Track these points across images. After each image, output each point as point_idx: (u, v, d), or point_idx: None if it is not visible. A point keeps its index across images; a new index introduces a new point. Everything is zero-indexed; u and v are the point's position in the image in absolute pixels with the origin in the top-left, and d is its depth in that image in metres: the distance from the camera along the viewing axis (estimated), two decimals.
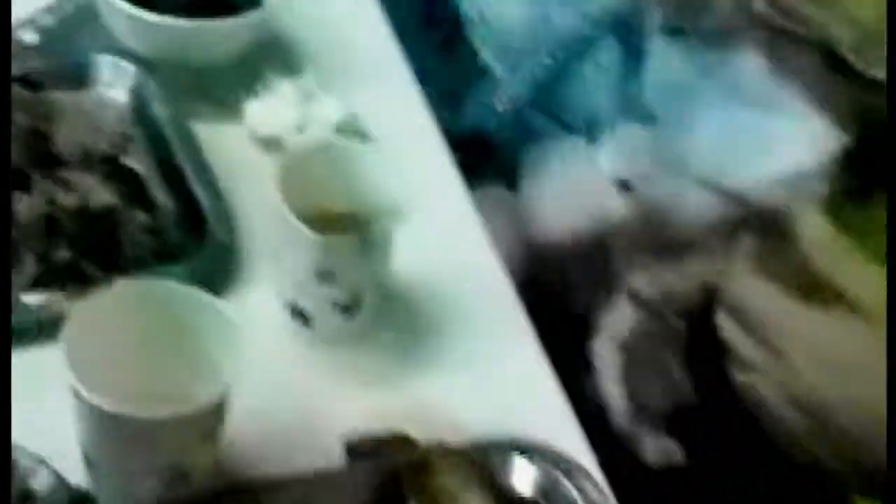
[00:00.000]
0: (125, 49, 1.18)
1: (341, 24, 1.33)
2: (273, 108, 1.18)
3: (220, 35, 1.18)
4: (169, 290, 0.86)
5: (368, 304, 0.99)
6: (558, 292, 1.29)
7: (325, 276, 0.95)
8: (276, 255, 1.00)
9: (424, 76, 1.31)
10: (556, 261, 1.32)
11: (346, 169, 1.01)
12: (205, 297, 0.86)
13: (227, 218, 1.07)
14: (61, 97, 1.15)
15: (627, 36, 1.31)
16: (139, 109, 1.16)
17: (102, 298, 0.85)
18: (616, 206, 1.28)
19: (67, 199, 1.05)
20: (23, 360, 0.86)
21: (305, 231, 0.94)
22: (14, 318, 0.90)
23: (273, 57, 1.23)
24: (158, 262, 1.03)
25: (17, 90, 1.12)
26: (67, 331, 0.80)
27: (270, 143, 1.17)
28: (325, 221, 0.97)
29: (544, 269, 1.31)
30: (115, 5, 1.14)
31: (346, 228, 0.98)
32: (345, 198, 1.00)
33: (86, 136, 1.11)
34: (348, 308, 0.98)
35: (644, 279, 1.24)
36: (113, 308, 0.84)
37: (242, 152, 1.16)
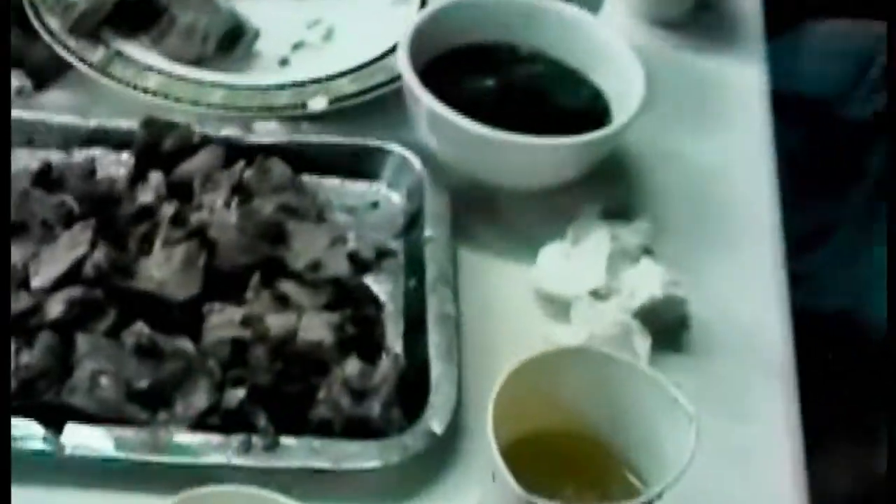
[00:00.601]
0: (414, 143, 0.94)
1: (717, 160, 1.02)
2: (576, 261, 0.91)
3: (552, 156, 0.92)
4: None
5: None
6: None
7: None
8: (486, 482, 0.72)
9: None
10: None
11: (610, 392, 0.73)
12: None
13: (452, 397, 0.81)
14: (318, 183, 0.93)
15: None
16: (411, 220, 0.92)
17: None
18: None
19: (274, 323, 0.82)
20: None
21: (516, 489, 0.67)
22: (167, 459, 0.75)
23: (597, 189, 0.95)
24: (345, 434, 0.79)
25: (278, 167, 0.92)
26: None
27: (554, 305, 0.90)
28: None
29: None
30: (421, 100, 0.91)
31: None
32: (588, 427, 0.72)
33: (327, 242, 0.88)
34: None
35: None
36: None
37: (513, 308, 0.90)
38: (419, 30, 0.95)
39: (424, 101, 0.91)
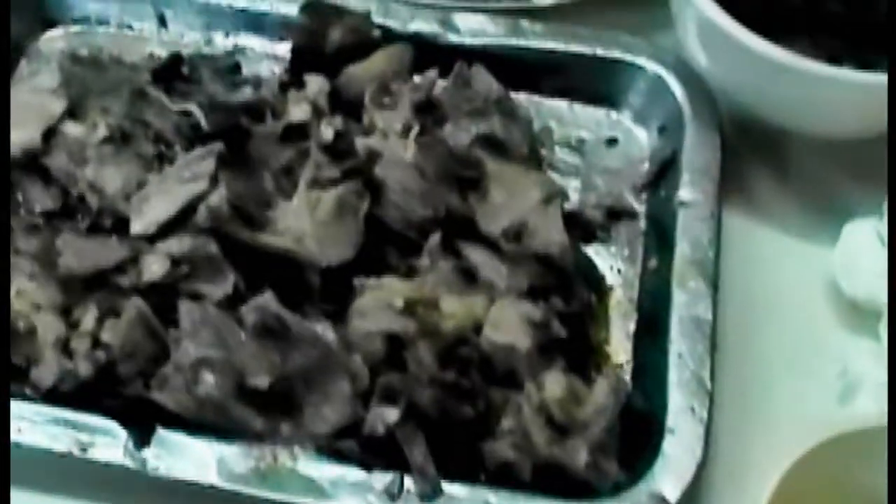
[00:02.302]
0: (675, 58, 0.67)
1: None
2: None
3: (878, 99, 0.63)
4: None
5: None
6: None
7: None
8: None
9: None
10: None
11: None
12: None
13: (697, 450, 0.55)
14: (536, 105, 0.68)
15: None
16: (661, 168, 0.66)
17: None
18: None
19: (450, 309, 0.58)
20: None
21: None
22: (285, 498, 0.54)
23: None
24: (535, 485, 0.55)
25: (483, 80, 0.67)
26: None
27: (857, 311, 0.63)
28: None
29: None
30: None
31: None
32: None
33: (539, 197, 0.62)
34: None
35: None
36: None
37: (796, 308, 0.63)
38: None
39: (696, 1, 0.63)
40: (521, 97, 0.69)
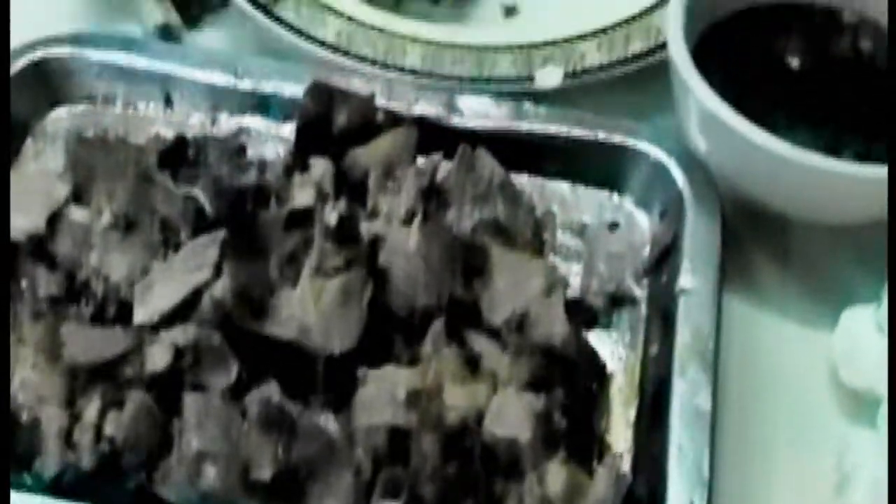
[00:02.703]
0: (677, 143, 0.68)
1: None
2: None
3: (878, 190, 0.64)
4: None
5: None
6: None
7: None
8: None
9: None
10: None
11: None
12: None
13: None
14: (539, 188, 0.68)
15: None
16: (663, 253, 0.67)
17: None
18: None
19: (454, 400, 0.58)
20: None
21: None
22: None
23: None
24: None
25: (486, 163, 0.67)
26: None
27: (855, 399, 0.63)
28: None
29: None
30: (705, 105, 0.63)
31: None
32: None
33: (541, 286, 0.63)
34: None
35: None
36: None
37: (795, 394, 0.63)
38: None
39: (696, 91, 0.64)
40: (523, 179, 0.69)
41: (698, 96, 0.64)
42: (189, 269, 0.60)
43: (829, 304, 0.66)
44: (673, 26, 0.66)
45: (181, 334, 0.59)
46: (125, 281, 0.61)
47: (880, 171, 0.61)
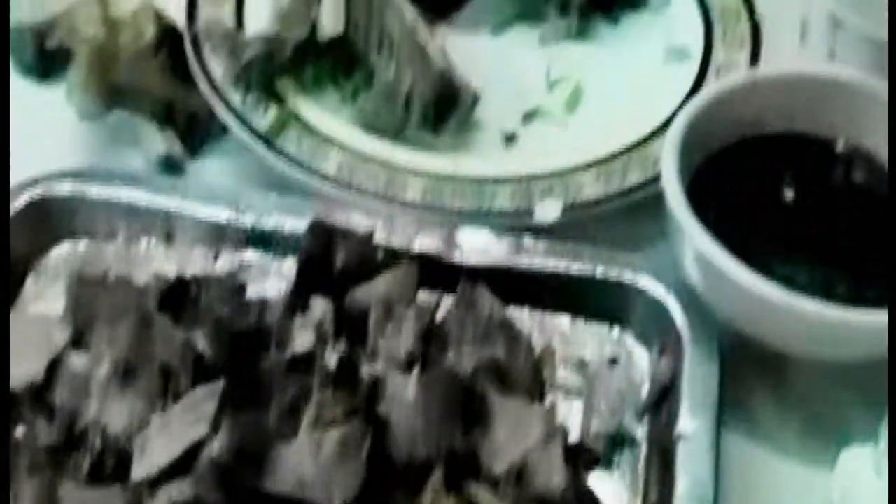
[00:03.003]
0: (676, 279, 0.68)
1: None
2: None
3: (877, 335, 0.63)
4: None
5: None
6: None
7: None
8: None
9: None
10: None
11: None
12: None
13: None
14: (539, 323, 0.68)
15: None
16: (662, 392, 0.67)
17: None
18: None
19: None
20: None
21: None
22: None
23: None
24: None
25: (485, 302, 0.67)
26: None
27: None
28: None
29: None
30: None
31: None
32: None
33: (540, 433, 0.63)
34: None
35: None
36: None
37: None
38: (697, 117, 0.68)
39: (690, 232, 0.64)
40: (523, 313, 0.69)
41: (692, 238, 0.64)
42: (187, 423, 0.60)
43: (828, 442, 0.65)
44: (667, 166, 0.66)
45: (178, 490, 0.59)
46: (123, 433, 0.61)
47: (871, 317, 0.61)
